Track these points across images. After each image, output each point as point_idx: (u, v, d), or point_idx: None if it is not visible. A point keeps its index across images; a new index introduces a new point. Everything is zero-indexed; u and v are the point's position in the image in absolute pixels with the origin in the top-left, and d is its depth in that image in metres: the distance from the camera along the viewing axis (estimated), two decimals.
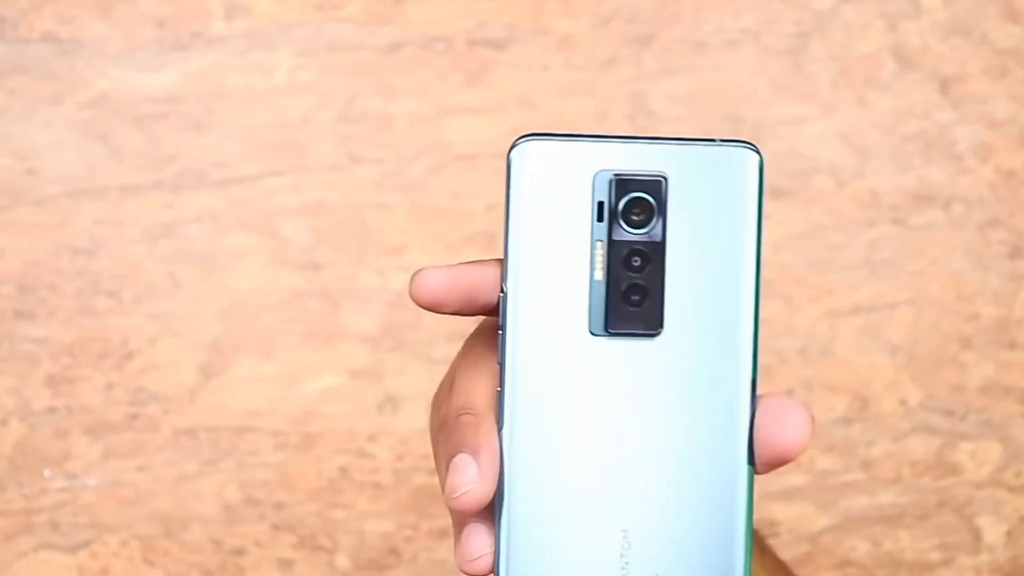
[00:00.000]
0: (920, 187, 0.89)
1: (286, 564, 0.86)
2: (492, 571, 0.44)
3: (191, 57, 0.87)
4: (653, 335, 0.43)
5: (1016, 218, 0.89)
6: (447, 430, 0.45)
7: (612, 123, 0.88)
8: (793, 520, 0.88)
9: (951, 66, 0.89)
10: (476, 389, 0.45)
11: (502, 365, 0.44)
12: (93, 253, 0.86)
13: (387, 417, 0.86)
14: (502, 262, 0.44)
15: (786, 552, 0.87)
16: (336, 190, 0.87)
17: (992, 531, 0.89)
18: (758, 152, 0.44)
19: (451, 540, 0.53)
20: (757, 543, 0.56)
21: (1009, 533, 0.89)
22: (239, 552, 0.85)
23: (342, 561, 0.86)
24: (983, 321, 0.89)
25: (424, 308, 0.45)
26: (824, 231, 0.88)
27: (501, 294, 0.44)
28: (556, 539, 0.43)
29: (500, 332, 0.44)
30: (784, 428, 0.43)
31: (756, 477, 0.45)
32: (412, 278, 0.44)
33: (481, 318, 0.49)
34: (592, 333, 0.43)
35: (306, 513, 0.86)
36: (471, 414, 0.44)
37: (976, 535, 0.89)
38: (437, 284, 0.44)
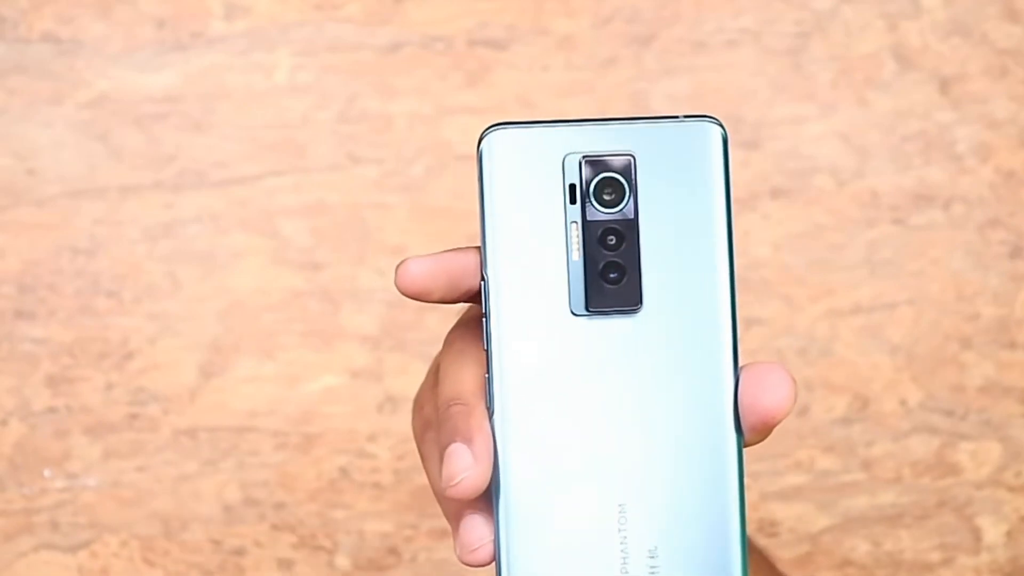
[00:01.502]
0: (920, 187, 0.89)
1: (286, 564, 0.86)
2: (493, 559, 0.44)
3: (191, 57, 0.87)
4: (633, 311, 0.44)
5: (1016, 218, 0.89)
6: (438, 422, 0.45)
7: None
8: (793, 520, 0.88)
9: (951, 66, 0.89)
10: (463, 378, 0.45)
11: (488, 351, 0.44)
12: (93, 253, 0.86)
13: (387, 417, 0.86)
14: (481, 249, 0.45)
15: (786, 552, 0.87)
16: (336, 190, 0.87)
17: (992, 531, 0.89)
18: (721, 125, 0.45)
19: (451, 540, 0.53)
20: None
21: (1009, 533, 0.89)
22: (239, 552, 0.85)
23: (342, 561, 0.86)
24: (983, 321, 0.89)
25: (410, 297, 0.45)
26: (824, 231, 0.88)
27: (482, 281, 0.44)
28: (554, 520, 0.44)
29: (484, 318, 0.44)
30: (766, 391, 0.44)
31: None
32: (397, 268, 0.45)
33: (462, 310, 0.49)
34: (574, 313, 0.44)
35: (306, 513, 0.86)
36: (461, 403, 0.44)
37: (976, 535, 0.89)
38: (422, 272, 0.45)
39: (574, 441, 0.44)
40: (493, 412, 0.44)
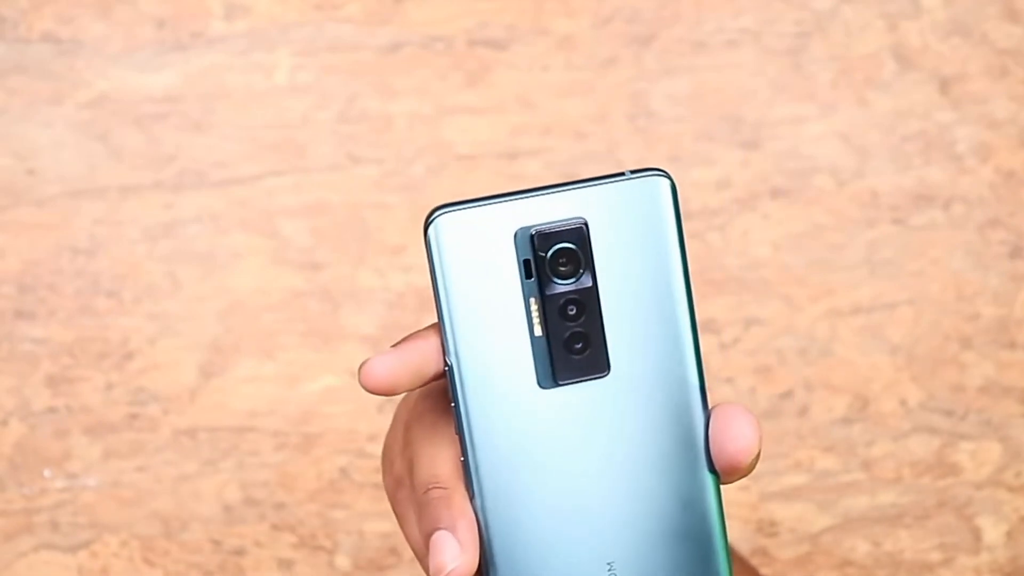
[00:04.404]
0: (920, 187, 0.89)
1: (286, 564, 0.86)
2: None
3: (191, 57, 0.87)
4: (602, 376, 0.44)
5: (1016, 218, 0.89)
6: (418, 505, 0.45)
7: (612, 123, 0.88)
8: (793, 520, 0.88)
9: (951, 66, 0.89)
10: (439, 460, 0.45)
11: (461, 436, 0.44)
12: (93, 253, 0.86)
13: (387, 417, 0.86)
14: (441, 335, 0.44)
15: (786, 552, 0.88)
16: (336, 190, 0.87)
17: (992, 531, 0.89)
18: (669, 177, 0.44)
19: None
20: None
21: (1009, 533, 0.89)
22: (239, 552, 0.85)
23: (342, 561, 0.86)
24: (983, 321, 0.89)
25: (378, 395, 0.45)
26: (824, 231, 0.88)
27: (446, 368, 0.44)
28: None
29: (453, 405, 0.44)
30: (733, 435, 0.44)
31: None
32: (360, 369, 0.45)
33: None
34: (542, 387, 0.44)
35: (306, 513, 0.86)
36: (439, 487, 0.44)
37: (976, 535, 0.89)
38: (386, 372, 0.44)
39: (558, 509, 0.44)
40: (474, 495, 0.44)
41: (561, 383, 0.44)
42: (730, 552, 0.45)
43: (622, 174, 0.44)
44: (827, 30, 0.89)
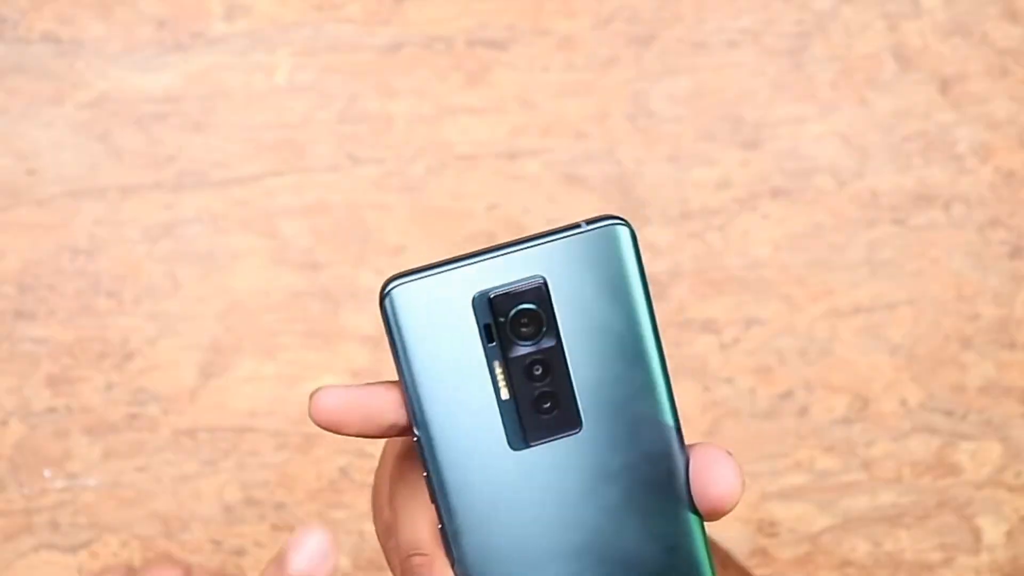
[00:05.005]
0: (920, 187, 0.89)
1: None
2: None
3: (191, 57, 0.87)
4: (574, 433, 0.43)
5: (1016, 218, 0.89)
6: (401, 570, 0.45)
7: (612, 123, 0.88)
8: (793, 520, 0.88)
9: (951, 66, 0.89)
10: (419, 524, 0.45)
11: (436, 505, 0.43)
12: (93, 253, 0.86)
13: None
14: (408, 406, 0.43)
15: (786, 552, 0.88)
16: (336, 190, 0.87)
17: (992, 531, 0.89)
18: (627, 224, 0.43)
19: None
20: (720, 561, 0.57)
21: (1009, 533, 0.89)
22: (239, 552, 0.85)
23: (342, 561, 0.86)
24: (983, 321, 0.89)
25: (324, 429, 0.44)
26: (824, 231, 0.88)
27: (414, 440, 0.43)
28: None
29: (425, 476, 0.43)
30: (715, 480, 0.43)
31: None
32: (310, 397, 0.44)
33: None
34: (513, 449, 0.43)
35: (306, 513, 0.86)
36: (420, 554, 0.44)
37: (976, 535, 0.89)
38: (334, 406, 0.43)
39: (540, 569, 0.43)
40: (455, 562, 0.43)
41: (533, 444, 0.43)
42: None
43: (578, 225, 0.43)
44: (827, 30, 0.89)
